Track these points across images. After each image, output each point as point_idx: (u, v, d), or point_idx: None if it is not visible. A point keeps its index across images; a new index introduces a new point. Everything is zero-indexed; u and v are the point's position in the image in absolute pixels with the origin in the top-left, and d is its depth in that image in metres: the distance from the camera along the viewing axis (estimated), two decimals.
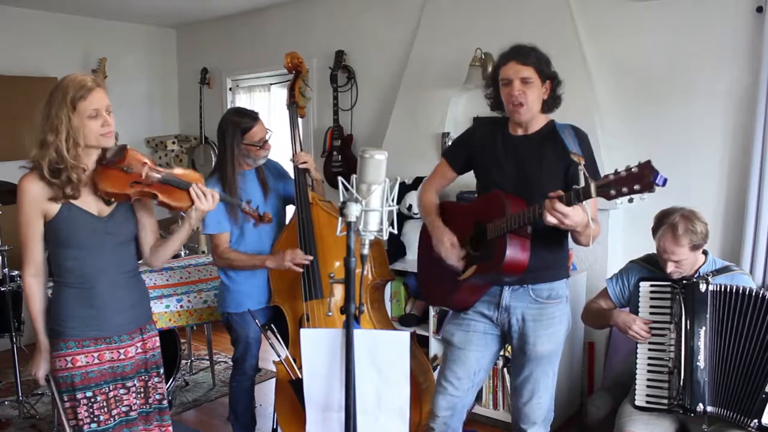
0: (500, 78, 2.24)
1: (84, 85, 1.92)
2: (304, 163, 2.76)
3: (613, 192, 1.78)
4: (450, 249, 2.30)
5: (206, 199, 2.07)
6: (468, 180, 2.59)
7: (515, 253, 2.09)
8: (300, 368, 2.61)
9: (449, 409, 2.38)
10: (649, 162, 1.72)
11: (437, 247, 2.34)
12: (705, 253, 2.45)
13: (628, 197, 1.76)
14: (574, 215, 1.91)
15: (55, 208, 1.97)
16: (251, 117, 2.73)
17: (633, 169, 1.74)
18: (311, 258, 2.65)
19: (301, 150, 2.81)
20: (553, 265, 2.29)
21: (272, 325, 2.66)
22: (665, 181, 1.70)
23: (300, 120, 2.92)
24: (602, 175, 1.87)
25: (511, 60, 2.21)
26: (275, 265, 2.67)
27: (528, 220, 2.04)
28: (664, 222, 2.36)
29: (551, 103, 2.26)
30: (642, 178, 1.72)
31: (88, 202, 2.03)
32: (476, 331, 2.35)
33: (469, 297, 2.33)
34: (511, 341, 2.34)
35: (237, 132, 2.69)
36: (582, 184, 1.86)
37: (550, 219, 1.93)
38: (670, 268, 2.36)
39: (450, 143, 2.61)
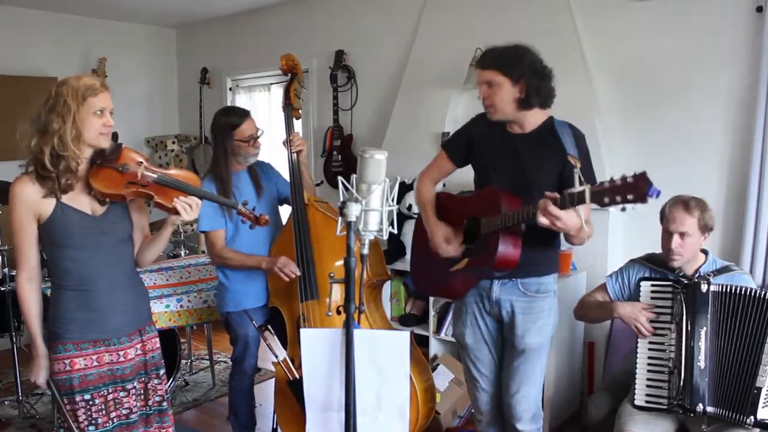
0: None
1: (95, 85, 1.97)
2: (299, 145, 2.78)
3: (606, 200, 1.78)
4: (444, 243, 2.35)
5: (191, 209, 2.05)
6: (468, 180, 2.59)
7: (507, 249, 2.14)
8: (298, 369, 2.62)
9: (489, 403, 2.49)
10: (644, 173, 1.71)
11: (431, 240, 2.39)
12: (705, 252, 2.46)
13: (621, 206, 1.76)
14: (566, 219, 1.93)
15: (48, 209, 1.96)
16: (240, 114, 2.77)
17: (629, 179, 1.73)
18: (299, 274, 2.66)
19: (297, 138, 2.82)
20: (543, 261, 2.33)
21: (269, 326, 2.67)
22: (659, 193, 1.69)
23: (300, 120, 2.93)
24: (597, 178, 1.86)
25: (477, 66, 2.27)
26: (269, 268, 2.69)
27: (521, 219, 2.06)
28: (674, 200, 2.37)
29: (532, 100, 2.19)
30: (636, 188, 1.71)
31: (82, 202, 2.02)
32: (484, 328, 2.42)
33: (460, 287, 2.38)
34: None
35: (227, 129, 2.72)
36: (576, 187, 1.86)
37: (543, 220, 1.94)
38: (675, 243, 2.32)
39: (450, 135, 2.63)
